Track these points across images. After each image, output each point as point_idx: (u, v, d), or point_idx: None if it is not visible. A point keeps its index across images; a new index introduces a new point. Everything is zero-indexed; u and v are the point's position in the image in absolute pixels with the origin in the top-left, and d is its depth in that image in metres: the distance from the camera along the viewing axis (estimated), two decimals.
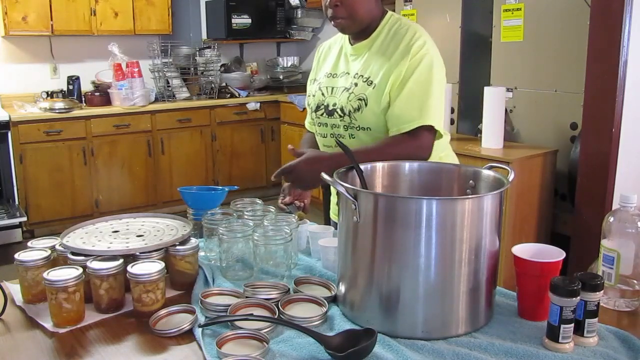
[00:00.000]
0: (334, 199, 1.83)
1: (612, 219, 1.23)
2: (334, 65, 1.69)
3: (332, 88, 1.65)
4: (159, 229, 1.43)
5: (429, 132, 1.52)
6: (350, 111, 1.58)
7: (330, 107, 1.63)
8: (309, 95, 1.74)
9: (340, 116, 1.61)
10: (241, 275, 1.37)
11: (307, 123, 1.88)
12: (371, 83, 1.55)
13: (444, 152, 1.69)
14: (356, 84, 1.58)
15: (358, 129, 1.59)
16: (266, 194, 5.29)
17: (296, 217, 1.56)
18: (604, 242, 1.24)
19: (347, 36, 1.68)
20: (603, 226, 1.24)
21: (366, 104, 1.55)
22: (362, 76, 1.58)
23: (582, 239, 2.76)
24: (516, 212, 2.94)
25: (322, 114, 1.67)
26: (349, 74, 1.62)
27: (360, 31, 1.60)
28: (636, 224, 1.20)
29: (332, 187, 1.83)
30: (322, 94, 1.67)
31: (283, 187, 1.68)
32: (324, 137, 1.69)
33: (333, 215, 1.84)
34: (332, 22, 1.58)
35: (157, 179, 4.90)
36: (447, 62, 1.64)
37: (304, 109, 4.98)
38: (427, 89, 1.51)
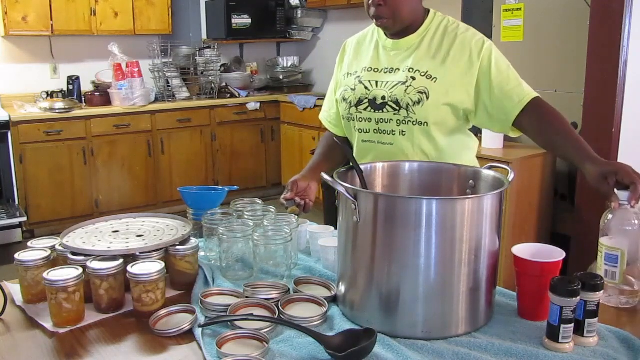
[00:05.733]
0: None
1: (610, 217, 1.23)
2: (374, 59, 1.64)
3: (377, 82, 1.59)
4: (159, 229, 1.43)
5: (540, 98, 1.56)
6: (408, 104, 1.53)
7: (379, 101, 1.57)
8: (345, 90, 1.66)
9: (395, 110, 1.55)
10: (241, 275, 1.37)
11: (326, 121, 1.81)
12: (430, 77, 1.53)
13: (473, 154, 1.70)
14: (414, 78, 1.54)
15: (414, 123, 1.54)
16: (266, 194, 5.29)
17: (288, 211, 1.55)
18: (603, 241, 1.24)
19: (380, 31, 1.64)
20: (601, 224, 1.24)
21: (428, 97, 1.52)
22: (419, 70, 1.54)
23: (582, 239, 2.76)
24: (516, 212, 2.94)
25: (365, 108, 1.60)
26: (398, 69, 1.58)
27: (403, 28, 1.58)
28: (633, 222, 1.20)
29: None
30: (365, 87, 1.60)
31: (287, 183, 1.65)
32: (365, 132, 1.62)
33: None
34: (375, 22, 1.55)
35: (157, 179, 4.90)
36: None
37: (304, 109, 5.02)
38: (508, 70, 1.56)
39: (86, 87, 4.90)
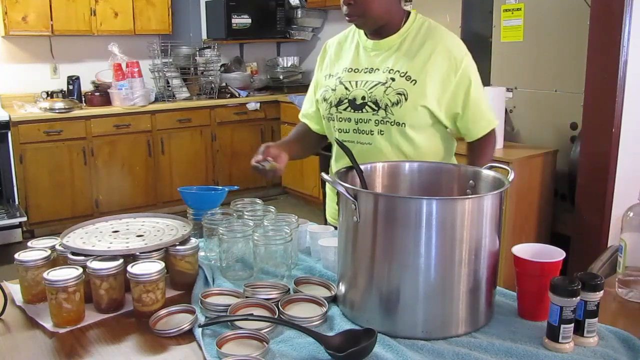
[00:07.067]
0: (331, 202, 1.81)
1: (631, 214, 1.25)
2: (354, 60, 1.65)
3: (357, 82, 1.61)
4: (159, 229, 1.43)
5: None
6: (387, 105, 1.55)
7: (359, 101, 1.59)
8: (326, 90, 1.67)
9: (374, 110, 1.57)
10: (241, 275, 1.37)
11: (304, 117, 1.84)
12: (410, 78, 1.54)
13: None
14: (393, 79, 1.55)
15: (392, 124, 1.56)
16: (266, 194, 5.29)
17: (267, 167, 1.53)
18: (623, 236, 1.27)
19: (361, 31, 1.66)
20: (622, 220, 1.26)
21: (406, 99, 1.53)
22: (399, 71, 1.56)
23: (582, 239, 2.76)
24: (516, 212, 2.94)
25: (345, 108, 1.62)
26: (378, 69, 1.59)
27: (378, 28, 1.59)
28: None
29: (329, 190, 1.82)
30: (345, 88, 1.62)
31: (260, 148, 1.65)
32: (345, 132, 1.63)
33: (330, 219, 1.82)
34: (347, 19, 1.58)
35: (157, 179, 4.90)
36: None
37: None
38: (482, 91, 1.62)
39: (86, 87, 4.90)
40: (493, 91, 3.08)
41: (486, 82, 3.35)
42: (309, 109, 1.81)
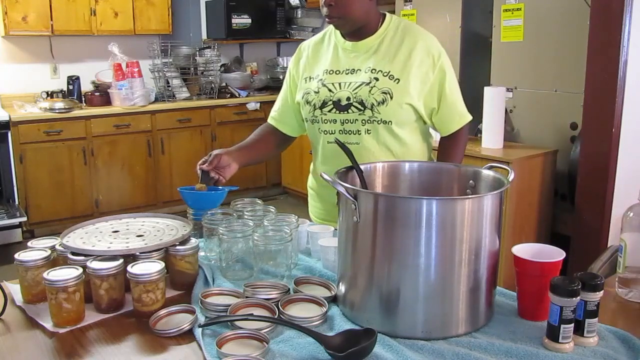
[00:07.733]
0: (314, 201, 1.82)
1: (631, 214, 1.25)
2: (334, 61, 1.66)
3: (340, 83, 1.62)
4: (159, 229, 1.43)
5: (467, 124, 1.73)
6: (373, 104, 1.58)
7: (344, 102, 1.61)
8: (308, 92, 1.68)
9: (360, 110, 1.59)
10: (241, 275, 1.37)
11: (273, 119, 1.85)
12: (393, 77, 1.58)
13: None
14: (377, 79, 1.58)
15: (379, 122, 1.59)
16: (266, 194, 5.29)
17: (197, 187, 1.56)
18: (623, 236, 1.27)
19: (337, 33, 1.68)
20: (622, 220, 1.27)
21: (392, 97, 1.57)
22: (381, 71, 1.59)
23: (582, 239, 2.76)
24: (516, 212, 2.94)
25: (330, 110, 1.63)
26: (360, 70, 1.61)
27: (357, 29, 1.61)
28: None
29: (311, 190, 1.83)
30: (329, 90, 1.63)
31: (210, 153, 1.64)
32: (331, 133, 1.65)
33: (314, 218, 1.82)
34: (327, 20, 1.60)
35: (157, 179, 4.90)
36: None
37: None
38: (457, 86, 1.66)
39: (86, 87, 4.90)
40: (493, 91, 3.08)
41: (486, 82, 3.36)
42: (280, 109, 1.83)
